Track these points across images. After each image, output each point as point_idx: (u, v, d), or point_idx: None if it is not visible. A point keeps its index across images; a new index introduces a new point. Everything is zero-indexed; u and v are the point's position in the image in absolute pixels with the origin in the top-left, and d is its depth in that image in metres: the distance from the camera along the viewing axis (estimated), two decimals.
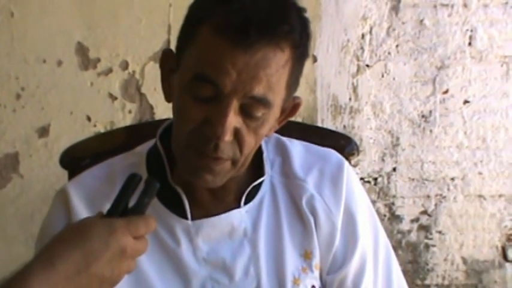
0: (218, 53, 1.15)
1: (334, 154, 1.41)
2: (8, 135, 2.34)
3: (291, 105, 1.29)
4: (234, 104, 1.16)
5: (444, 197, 2.59)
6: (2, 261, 2.39)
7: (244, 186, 1.32)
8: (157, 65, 2.27)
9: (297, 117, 2.42)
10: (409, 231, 2.61)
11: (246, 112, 1.18)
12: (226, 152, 1.20)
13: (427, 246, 2.62)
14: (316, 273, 1.33)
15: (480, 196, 2.60)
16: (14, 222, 2.40)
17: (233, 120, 1.17)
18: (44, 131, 2.35)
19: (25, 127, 2.34)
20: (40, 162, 2.37)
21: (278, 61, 1.16)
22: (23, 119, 2.33)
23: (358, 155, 1.62)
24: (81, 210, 1.28)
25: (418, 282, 2.58)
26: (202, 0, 1.22)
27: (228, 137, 1.17)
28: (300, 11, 1.21)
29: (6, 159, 2.35)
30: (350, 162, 1.45)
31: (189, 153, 1.22)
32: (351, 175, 1.38)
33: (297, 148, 1.39)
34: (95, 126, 2.36)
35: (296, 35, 1.18)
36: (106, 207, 1.11)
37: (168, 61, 1.28)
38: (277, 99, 1.20)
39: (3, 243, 2.40)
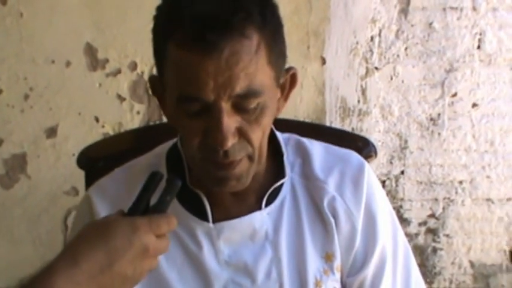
0: (188, 67, 1.13)
1: (354, 155, 1.41)
2: (15, 135, 2.33)
3: (289, 77, 1.27)
4: (224, 107, 1.14)
5: (452, 201, 2.58)
6: (10, 262, 2.39)
7: (265, 188, 1.31)
8: None
9: (305, 119, 2.42)
10: (417, 235, 2.61)
11: (239, 109, 1.16)
12: (237, 154, 1.19)
13: (434, 250, 2.62)
14: (338, 275, 1.33)
15: (488, 200, 2.60)
16: (21, 223, 2.39)
17: (230, 122, 1.15)
18: (52, 132, 2.34)
19: (33, 128, 2.33)
20: (48, 163, 2.36)
21: (248, 50, 1.13)
22: (31, 120, 2.33)
23: (375, 157, 1.61)
24: (104, 214, 1.27)
25: (426, 285, 2.57)
26: (160, 20, 1.20)
27: (230, 141, 1.16)
28: None
29: (14, 160, 2.35)
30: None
31: (206, 166, 1.22)
32: (371, 176, 1.37)
33: (317, 149, 1.39)
34: (103, 127, 2.36)
35: (256, 17, 1.14)
36: None
37: (157, 86, 1.27)
38: (265, 82, 1.17)
39: (10, 244, 2.40)
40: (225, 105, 1.14)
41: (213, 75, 1.12)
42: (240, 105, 1.16)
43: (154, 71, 2.27)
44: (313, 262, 1.31)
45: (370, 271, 1.34)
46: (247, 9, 1.14)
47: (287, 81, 1.27)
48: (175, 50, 1.15)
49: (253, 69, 1.14)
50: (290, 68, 1.27)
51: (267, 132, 1.24)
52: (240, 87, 1.13)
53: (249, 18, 1.13)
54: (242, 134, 1.18)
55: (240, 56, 1.12)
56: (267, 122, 1.21)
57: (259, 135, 1.21)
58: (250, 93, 1.15)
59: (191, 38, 1.11)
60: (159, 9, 1.20)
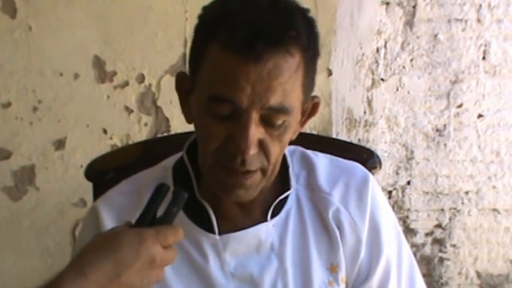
0: (229, 69, 1.15)
1: (359, 167, 1.42)
2: (24, 147, 2.34)
3: (311, 105, 1.30)
4: (254, 117, 1.16)
5: (458, 211, 2.59)
6: (18, 273, 2.39)
7: (270, 200, 1.32)
8: (173, 78, 2.29)
9: (312, 131, 2.43)
10: (423, 245, 2.61)
11: (266, 122, 1.18)
12: (253, 164, 1.20)
13: (441, 260, 2.62)
14: (343, 286, 1.34)
15: (494, 210, 2.60)
16: (29, 235, 2.40)
17: (255, 132, 1.17)
18: (60, 144, 2.35)
19: (42, 140, 2.34)
20: (56, 175, 2.37)
21: (290, 67, 1.16)
22: (39, 132, 2.34)
23: (380, 168, 1.62)
24: (111, 227, 1.28)
25: None
26: (206, 19, 1.22)
27: (252, 150, 1.17)
28: (304, 12, 1.22)
29: (23, 172, 2.36)
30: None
31: (217, 171, 1.23)
32: (375, 188, 1.38)
33: (322, 161, 1.40)
34: (111, 139, 2.37)
35: (304, 39, 1.18)
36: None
37: (183, 84, 1.29)
38: (295, 103, 1.20)
39: (18, 256, 2.40)
40: (255, 115, 1.16)
41: (253, 82, 1.14)
42: (267, 119, 1.18)
43: (162, 84, 2.33)
44: (319, 273, 1.32)
45: (374, 282, 1.36)
46: (297, 29, 1.17)
47: (308, 109, 1.30)
48: (219, 50, 1.16)
49: (289, 86, 1.17)
50: (315, 97, 1.30)
51: (284, 150, 1.27)
52: (274, 101, 1.16)
53: (298, 38, 1.16)
54: (263, 146, 1.20)
55: (281, 70, 1.15)
56: (286, 141, 1.24)
57: (277, 152, 1.23)
58: (281, 110, 1.17)
59: (241, 43, 1.13)
60: (205, 9, 1.23)
